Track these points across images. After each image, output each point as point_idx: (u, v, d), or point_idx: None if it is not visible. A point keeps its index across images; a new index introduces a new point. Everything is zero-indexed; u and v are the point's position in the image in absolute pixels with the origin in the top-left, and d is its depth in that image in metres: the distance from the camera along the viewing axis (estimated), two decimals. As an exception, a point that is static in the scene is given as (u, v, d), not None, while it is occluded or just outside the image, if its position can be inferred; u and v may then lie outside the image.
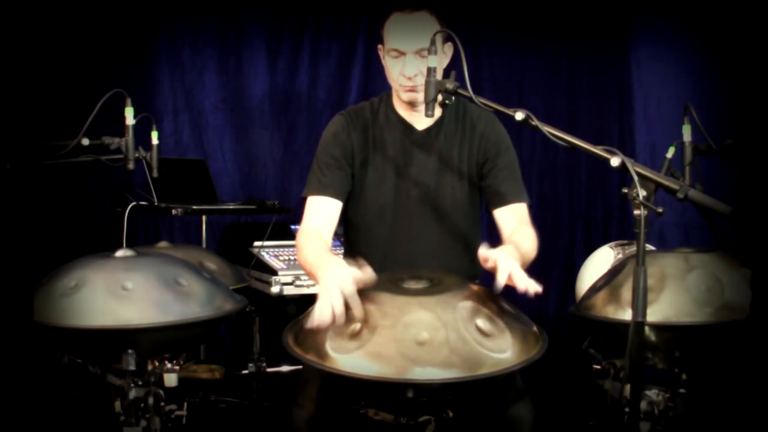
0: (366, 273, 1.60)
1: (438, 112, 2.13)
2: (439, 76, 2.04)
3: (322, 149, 2.17)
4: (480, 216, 2.27)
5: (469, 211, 2.22)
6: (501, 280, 1.62)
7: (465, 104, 2.20)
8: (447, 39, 2.10)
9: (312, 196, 2.10)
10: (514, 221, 2.10)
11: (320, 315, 1.53)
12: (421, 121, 2.18)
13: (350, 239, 2.26)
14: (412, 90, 2.08)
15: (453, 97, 1.84)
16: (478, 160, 2.18)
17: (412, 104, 2.14)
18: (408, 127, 2.18)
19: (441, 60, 2.08)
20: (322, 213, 2.09)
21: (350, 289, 1.57)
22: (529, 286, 1.60)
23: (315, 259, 1.84)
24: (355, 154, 2.16)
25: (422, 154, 2.17)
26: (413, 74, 2.05)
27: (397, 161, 2.17)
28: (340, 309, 1.54)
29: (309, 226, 2.07)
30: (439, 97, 1.92)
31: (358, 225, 2.22)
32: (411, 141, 2.17)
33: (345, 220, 2.24)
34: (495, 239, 2.17)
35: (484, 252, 1.70)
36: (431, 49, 1.82)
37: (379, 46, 2.13)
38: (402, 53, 2.05)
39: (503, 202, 2.14)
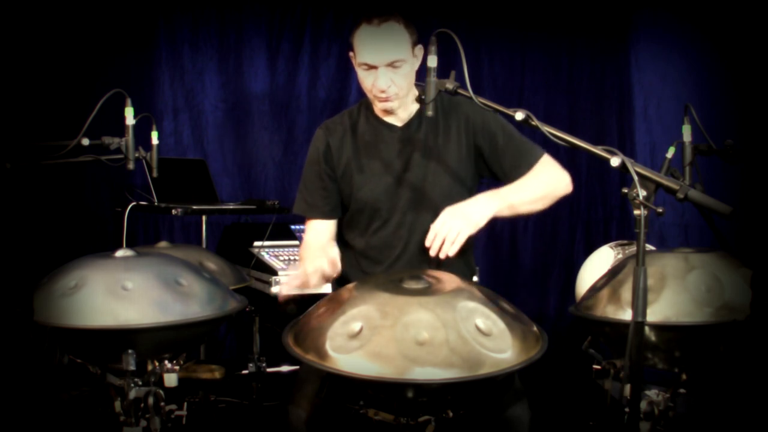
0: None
1: (415, 106, 2.17)
2: (412, 79, 2.08)
3: (306, 168, 2.26)
4: None
5: (459, 198, 2.21)
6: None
7: (442, 94, 2.19)
8: (417, 42, 2.09)
9: (307, 220, 2.26)
10: None
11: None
12: (399, 118, 2.19)
13: (346, 236, 2.28)
14: (386, 100, 2.09)
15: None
16: (468, 143, 2.18)
17: (387, 112, 2.16)
18: (388, 126, 2.20)
19: (413, 64, 2.08)
20: (314, 236, 2.24)
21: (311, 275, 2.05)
22: (434, 246, 1.89)
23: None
24: (338, 165, 2.20)
25: (406, 149, 2.18)
26: (386, 86, 2.05)
27: (382, 159, 2.18)
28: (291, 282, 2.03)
29: (305, 241, 2.26)
30: (415, 93, 2.09)
31: (352, 224, 2.24)
32: (393, 138, 2.19)
33: (338, 220, 2.26)
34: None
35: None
36: (431, 49, 1.82)
37: (351, 53, 2.10)
38: (373, 67, 2.04)
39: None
